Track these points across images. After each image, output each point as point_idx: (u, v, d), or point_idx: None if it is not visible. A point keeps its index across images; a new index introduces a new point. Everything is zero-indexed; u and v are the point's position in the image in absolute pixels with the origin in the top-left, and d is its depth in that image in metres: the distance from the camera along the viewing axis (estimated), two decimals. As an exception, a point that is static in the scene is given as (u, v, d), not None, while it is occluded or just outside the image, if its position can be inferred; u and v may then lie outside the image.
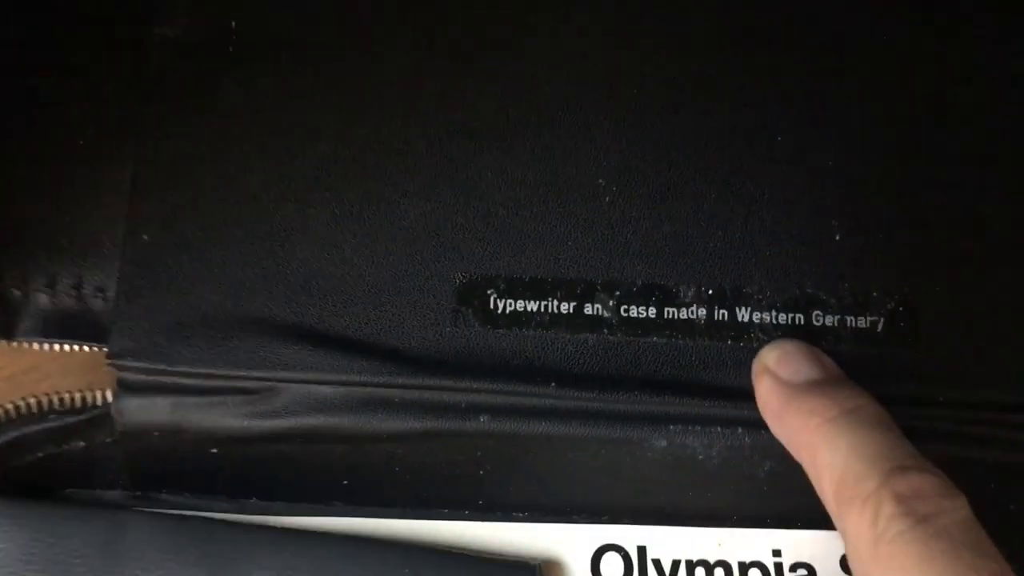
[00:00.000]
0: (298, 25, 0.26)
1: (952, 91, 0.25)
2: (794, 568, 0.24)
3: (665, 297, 0.24)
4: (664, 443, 0.23)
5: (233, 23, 0.26)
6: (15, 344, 0.26)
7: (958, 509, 0.19)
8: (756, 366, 0.23)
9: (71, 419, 0.24)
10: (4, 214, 0.25)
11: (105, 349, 0.24)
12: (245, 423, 0.23)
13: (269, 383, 0.23)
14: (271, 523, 0.24)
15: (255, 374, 0.23)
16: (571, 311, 0.24)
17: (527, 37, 0.26)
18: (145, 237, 0.24)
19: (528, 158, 0.25)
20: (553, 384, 0.23)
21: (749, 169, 0.25)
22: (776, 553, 0.24)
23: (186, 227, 0.24)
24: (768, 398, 0.22)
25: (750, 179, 0.25)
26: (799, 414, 0.21)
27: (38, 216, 0.25)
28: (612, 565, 0.24)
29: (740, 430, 0.23)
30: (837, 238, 0.24)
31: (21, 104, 0.26)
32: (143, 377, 0.24)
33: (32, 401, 0.24)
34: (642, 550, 0.24)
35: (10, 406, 0.24)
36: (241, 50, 0.26)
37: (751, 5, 0.26)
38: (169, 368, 0.23)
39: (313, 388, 0.23)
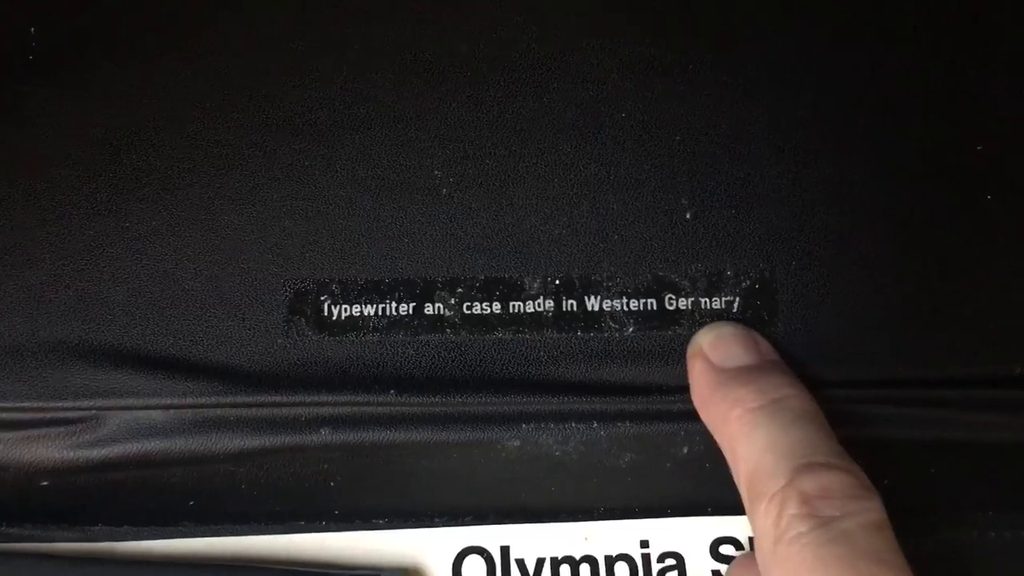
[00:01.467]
0: (104, 26, 0.25)
1: (801, 57, 0.24)
2: (662, 558, 0.23)
3: (509, 291, 0.23)
4: (517, 443, 0.23)
5: (32, 29, 0.24)
6: None
7: (866, 512, 0.18)
8: (690, 348, 0.22)
9: None
10: None
11: None
12: (71, 454, 0.23)
13: (90, 412, 0.22)
14: (117, 550, 0.23)
15: (73, 404, 0.22)
16: (410, 312, 0.23)
17: (350, 25, 0.24)
18: None
19: (357, 152, 0.24)
20: (392, 391, 0.22)
21: (592, 149, 0.24)
22: (644, 544, 0.24)
23: None
24: (697, 383, 0.22)
25: (594, 160, 0.24)
26: (723, 402, 0.20)
27: None
28: (474, 568, 0.23)
29: (595, 424, 0.23)
30: (688, 217, 0.23)
31: None
32: None
33: None
34: (505, 550, 0.23)
35: None
36: (43, 57, 0.24)
37: None
38: None
39: (139, 413, 0.22)
